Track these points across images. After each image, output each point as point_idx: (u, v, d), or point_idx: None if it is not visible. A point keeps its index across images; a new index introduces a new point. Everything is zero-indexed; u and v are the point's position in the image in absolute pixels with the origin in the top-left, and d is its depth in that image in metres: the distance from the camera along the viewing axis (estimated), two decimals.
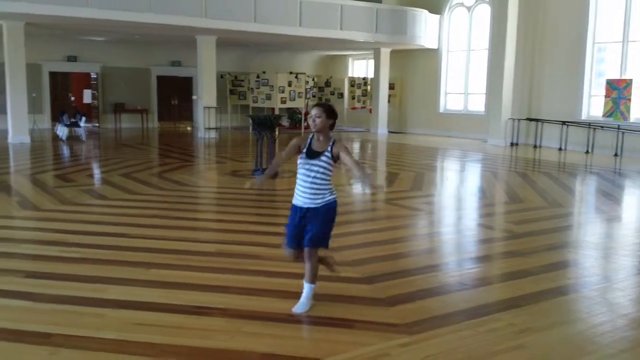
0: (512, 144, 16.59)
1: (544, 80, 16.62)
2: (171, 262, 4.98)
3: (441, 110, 20.18)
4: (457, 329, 3.71)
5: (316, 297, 4.15)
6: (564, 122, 15.46)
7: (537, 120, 16.42)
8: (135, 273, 4.66)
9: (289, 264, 4.97)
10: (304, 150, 3.89)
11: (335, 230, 6.22)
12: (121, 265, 4.84)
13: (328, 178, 3.89)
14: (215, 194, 8.85)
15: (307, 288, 3.97)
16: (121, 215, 6.83)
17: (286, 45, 20.80)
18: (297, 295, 4.23)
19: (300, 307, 3.92)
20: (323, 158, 3.85)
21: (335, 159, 3.86)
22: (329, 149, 3.85)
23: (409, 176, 10.47)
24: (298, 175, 3.91)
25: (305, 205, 3.89)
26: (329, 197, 3.91)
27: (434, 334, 3.63)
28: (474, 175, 11.66)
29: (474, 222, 7.22)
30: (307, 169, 3.84)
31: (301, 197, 3.90)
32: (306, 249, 3.92)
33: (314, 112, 3.86)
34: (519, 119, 16.65)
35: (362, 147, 16.67)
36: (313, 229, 3.87)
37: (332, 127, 3.92)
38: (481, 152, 14.91)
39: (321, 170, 3.84)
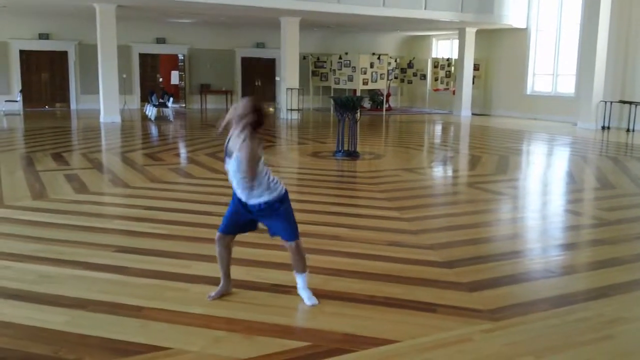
0: (603, 128, 15.78)
1: (639, 60, 15.64)
2: (253, 241, 5.05)
3: (528, 92, 19.43)
4: (543, 317, 3.60)
5: (397, 279, 4.13)
6: None
7: (630, 102, 15.51)
8: None
9: (369, 246, 4.98)
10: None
11: (415, 213, 6.23)
12: (206, 243, 4.98)
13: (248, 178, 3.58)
14: (297, 175, 8.94)
15: (300, 278, 3.80)
16: (207, 194, 7.04)
17: (369, 26, 20.61)
18: (377, 276, 4.24)
19: (312, 299, 3.76)
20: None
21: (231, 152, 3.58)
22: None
23: (492, 159, 10.19)
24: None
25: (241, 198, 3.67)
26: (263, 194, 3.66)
27: (518, 321, 3.53)
28: (561, 160, 11.20)
29: (561, 208, 6.94)
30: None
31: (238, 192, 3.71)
32: (287, 244, 3.73)
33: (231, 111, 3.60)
34: (611, 102, 15.79)
35: (444, 130, 16.36)
36: (278, 226, 3.71)
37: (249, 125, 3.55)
38: (570, 136, 14.28)
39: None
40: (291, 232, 3.72)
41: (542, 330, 3.43)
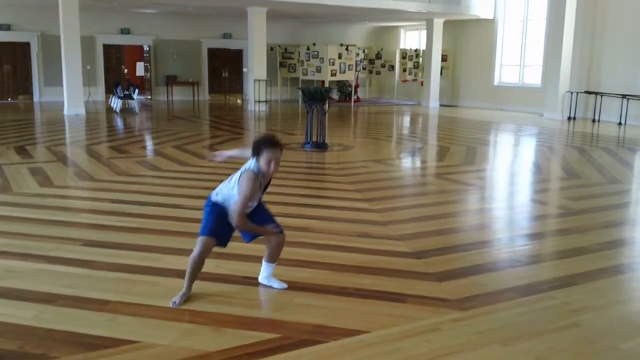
0: (569, 118, 16.07)
1: (605, 51, 15.96)
2: None
3: (495, 82, 19.68)
4: (511, 306, 3.65)
5: (367, 270, 4.15)
6: (624, 96, 14.86)
7: (596, 93, 15.84)
8: (188, 243, 4.72)
9: (338, 237, 4.99)
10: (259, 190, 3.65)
11: (385, 204, 6.27)
12: (175, 236, 4.95)
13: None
14: None
15: (270, 267, 3.87)
16: (174, 187, 6.96)
17: (337, 16, 20.59)
18: (346, 267, 4.25)
19: (282, 283, 3.85)
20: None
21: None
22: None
23: (460, 150, 10.29)
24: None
25: None
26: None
27: (486, 310, 3.58)
28: (528, 150, 11.37)
29: (527, 198, 7.05)
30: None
31: None
32: (281, 234, 3.82)
33: (273, 155, 3.47)
34: (577, 92, 16.10)
35: (413, 121, 16.46)
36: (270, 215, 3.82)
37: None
38: (537, 126, 14.51)
39: None
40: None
41: (509, 319, 3.48)
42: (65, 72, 15.18)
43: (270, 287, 3.86)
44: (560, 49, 15.96)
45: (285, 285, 3.85)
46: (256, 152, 3.49)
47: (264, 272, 3.90)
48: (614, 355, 3.10)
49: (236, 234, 3.77)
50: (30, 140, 10.68)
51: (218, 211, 3.66)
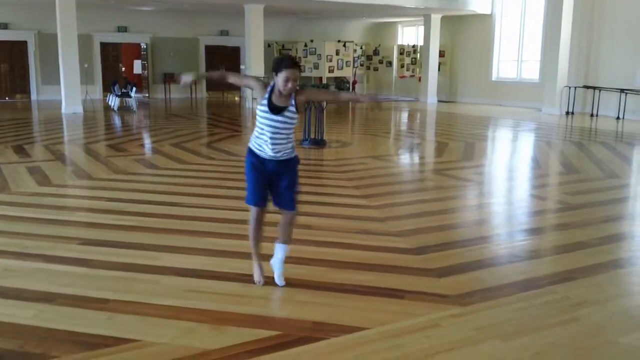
0: (567, 113, 16.07)
1: (602, 46, 15.94)
2: (222, 231, 5.05)
3: (493, 78, 19.66)
4: (510, 301, 3.65)
5: (366, 267, 4.15)
6: (622, 90, 14.86)
7: (594, 88, 15.83)
8: (187, 241, 4.74)
9: (337, 234, 4.98)
10: (265, 103, 3.63)
11: (384, 200, 6.26)
12: (174, 234, 4.94)
13: (292, 133, 3.73)
14: None
15: (283, 249, 3.84)
16: (173, 185, 6.95)
17: (334, 12, 20.55)
18: (346, 264, 4.25)
19: (282, 280, 3.86)
20: (287, 113, 3.63)
21: (300, 108, 3.68)
22: (293, 102, 3.64)
23: (459, 146, 10.29)
24: (261, 128, 3.67)
25: (274, 158, 3.69)
26: (294, 153, 3.79)
27: (486, 306, 3.58)
28: (527, 145, 11.37)
29: (526, 193, 7.05)
30: (271, 124, 3.63)
31: (263, 151, 3.69)
32: (292, 213, 3.80)
33: (291, 74, 3.52)
34: (575, 87, 16.09)
35: (411, 117, 16.45)
36: (286, 188, 3.75)
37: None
38: (535, 121, 14.51)
39: (286, 124, 3.65)
40: (296, 202, 3.80)
41: (509, 314, 3.48)
42: (62, 71, 15.16)
43: (273, 273, 3.86)
44: (558, 44, 15.94)
45: (282, 283, 3.83)
46: (275, 70, 3.58)
47: (277, 255, 3.87)
48: (614, 350, 3.10)
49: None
50: (28, 139, 10.66)
51: (248, 163, 3.76)
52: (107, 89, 18.62)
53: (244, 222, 5.28)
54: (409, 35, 23.75)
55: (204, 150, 9.56)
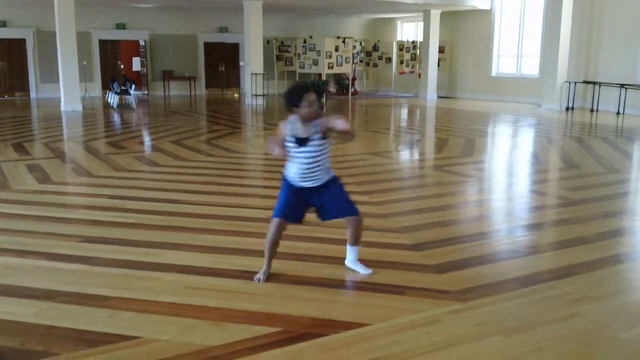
0: (567, 108, 16.06)
1: (602, 41, 15.93)
2: (222, 228, 5.05)
3: (493, 74, 19.65)
4: (511, 297, 3.65)
5: (367, 263, 4.16)
6: (622, 85, 14.85)
7: (594, 83, 15.82)
8: (188, 238, 4.74)
9: (337, 230, 4.97)
10: (291, 138, 3.71)
11: (384, 197, 6.26)
12: (174, 231, 4.94)
13: (327, 159, 3.84)
14: (264, 161, 8.89)
15: (355, 250, 4.03)
16: (173, 182, 6.95)
17: (333, 8, 20.53)
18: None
19: (368, 269, 4.01)
20: (315, 142, 3.71)
21: (324, 131, 3.74)
22: (317, 127, 3.72)
23: (458, 142, 10.28)
24: (294, 162, 3.75)
25: (313, 185, 3.79)
26: (332, 173, 3.92)
27: (486, 302, 3.58)
28: (527, 141, 11.37)
29: (526, 189, 7.05)
30: (302, 156, 3.72)
31: (297, 180, 3.78)
32: (356, 217, 3.92)
33: (314, 97, 3.68)
34: (575, 82, 16.07)
35: (411, 113, 16.44)
36: (343, 201, 3.90)
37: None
38: (535, 117, 14.50)
39: (317, 153, 3.74)
40: (354, 205, 3.95)
41: (510, 309, 3.48)
42: (61, 68, 15.15)
43: (356, 271, 4.00)
44: (558, 39, 15.92)
45: (370, 271, 3.98)
46: (294, 103, 3.71)
47: (349, 256, 4.04)
48: (615, 345, 3.10)
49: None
50: (27, 137, 10.66)
51: (285, 186, 3.85)
52: (106, 86, 18.61)
53: (245, 219, 5.32)
54: (409, 31, 23.72)
55: (204, 148, 9.56)
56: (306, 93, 3.69)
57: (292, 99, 3.69)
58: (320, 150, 3.75)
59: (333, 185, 3.88)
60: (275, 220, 3.82)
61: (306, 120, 3.70)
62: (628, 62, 15.22)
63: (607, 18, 15.73)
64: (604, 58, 15.93)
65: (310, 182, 3.77)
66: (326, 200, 3.85)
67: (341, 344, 3.06)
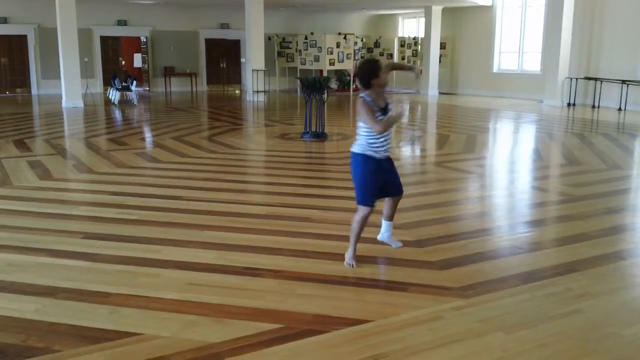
0: (569, 105, 16.03)
1: (604, 37, 15.88)
2: (224, 224, 5.05)
3: (494, 70, 19.60)
4: (513, 293, 3.65)
5: (369, 259, 4.17)
6: (624, 81, 14.81)
7: (595, 79, 15.78)
8: (189, 235, 4.74)
9: (339, 227, 4.97)
10: (378, 110, 3.97)
11: None
12: (176, 227, 4.94)
13: None
14: (265, 157, 8.89)
15: (390, 226, 4.36)
16: (174, 178, 6.94)
17: (334, 5, 20.48)
18: None
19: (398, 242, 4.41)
20: (389, 110, 4.06)
21: None
22: (386, 98, 4.08)
23: (460, 138, 10.27)
24: (372, 135, 4.00)
25: (384, 157, 4.11)
26: None
27: (488, 298, 3.58)
28: (528, 137, 11.35)
29: (528, 185, 7.04)
30: None
31: (382, 150, 4.07)
32: (400, 196, 4.27)
33: (382, 66, 3.98)
34: (576, 78, 16.04)
35: (412, 109, 16.42)
36: (397, 177, 4.24)
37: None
38: (536, 113, 14.47)
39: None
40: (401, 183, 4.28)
41: (511, 306, 3.48)
42: (62, 65, 15.13)
43: (389, 245, 4.37)
44: (560, 35, 15.88)
45: (400, 244, 4.39)
46: (369, 85, 3.95)
47: (385, 231, 4.37)
48: (617, 342, 3.09)
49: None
50: (29, 133, 10.66)
51: (366, 167, 4.06)
52: (108, 82, 18.59)
53: (245, 215, 5.32)
54: (410, 27, 23.67)
55: (205, 144, 9.55)
56: (377, 64, 3.97)
57: (372, 72, 3.93)
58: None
59: (392, 161, 4.23)
60: (368, 210, 4.05)
61: (381, 89, 4.00)
62: (629, 58, 15.18)
63: (608, 14, 15.68)
64: (605, 54, 15.89)
65: (386, 150, 4.08)
66: (392, 176, 4.19)
67: (343, 341, 3.06)
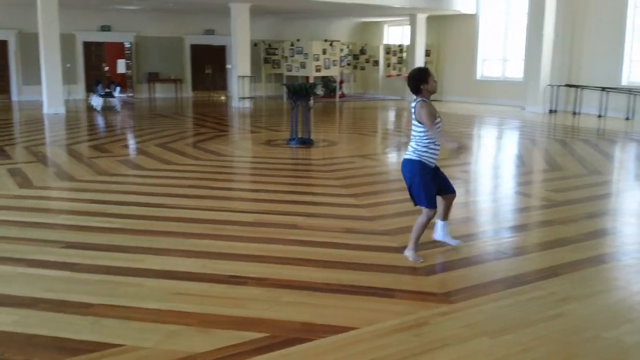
0: (550, 111, 16.17)
1: (584, 45, 16.07)
2: (208, 232, 5.01)
3: (478, 77, 19.74)
4: (497, 298, 3.66)
5: (354, 266, 4.16)
6: (604, 88, 14.98)
7: (576, 86, 15.94)
8: (173, 243, 4.70)
9: (325, 233, 4.96)
10: (438, 116, 4.22)
11: (371, 199, 6.26)
12: (159, 236, 4.89)
13: None
14: (251, 164, 8.86)
15: (446, 225, 4.58)
16: (158, 186, 6.89)
17: (320, 12, 20.52)
18: (334, 264, 4.22)
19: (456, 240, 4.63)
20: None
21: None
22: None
23: (444, 144, 10.27)
24: (429, 141, 4.23)
25: (435, 165, 4.37)
26: None
27: (473, 303, 3.58)
28: (511, 143, 11.43)
29: (511, 190, 7.08)
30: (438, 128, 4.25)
31: (436, 157, 4.33)
32: (454, 195, 4.54)
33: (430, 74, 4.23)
34: (558, 86, 16.19)
35: (398, 116, 16.48)
36: (446, 178, 4.51)
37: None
38: (519, 120, 14.58)
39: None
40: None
41: (496, 310, 3.49)
42: (44, 71, 14.98)
43: (446, 243, 4.57)
44: (541, 43, 16.04)
45: (459, 242, 4.59)
46: (424, 80, 4.17)
47: (441, 231, 4.58)
48: (599, 345, 3.11)
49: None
50: (9, 140, 10.51)
51: (424, 172, 4.27)
52: (91, 88, 18.43)
53: (230, 222, 5.28)
54: (395, 34, 23.78)
55: (190, 151, 9.50)
56: (426, 71, 4.21)
57: (422, 78, 4.17)
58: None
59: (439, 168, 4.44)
60: (432, 212, 4.29)
61: (429, 94, 4.21)
62: (609, 66, 15.36)
63: (589, 23, 15.87)
64: (586, 62, 16.08)
65: (435, 161, 4.34)
66: (441, 179, 4.41)
67: (329, 349, 3.04)
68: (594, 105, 15.33)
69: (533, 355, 2.98)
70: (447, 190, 4.47)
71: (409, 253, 4.33)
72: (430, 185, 4.28)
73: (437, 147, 4.30)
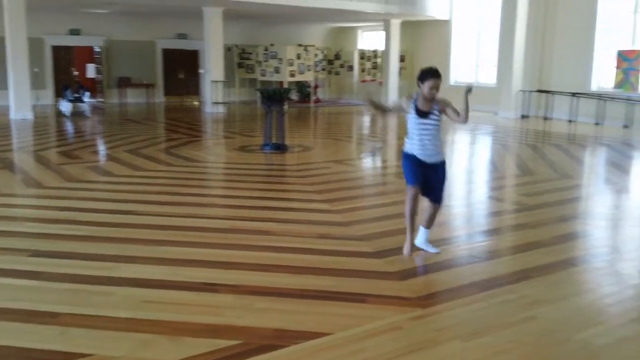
0: (523, 116, 16.38)
1: (555, 51, 16.33)
2: (180, 239, 4.94)
3: (451, 82, 19.92)
4: (470, 302, 3.68)
5: (328, 271, 4.14)
6: (574, 94, 15.24)
7: (548, 92, 16.19)
8: (143, 250, 4.63)
9: (299, 239, 4.94)
10: (413, 110, 4.40)
11: (346, 205, 6.25)
12: (129, 243, 4.81)
13: (438, 133, 4.46)
14: (224, 170, 8.79)
15: (426, 233, 4.62)
16: (128, 192, 6.79)
17: (294, 16, 20.51)
18: (307, 270, 4.20)
19: (436, 248, 4.63)
20: (432, 116, 4.39)
21: (442, 111, 4.41)
22: (436, 106, 4.39)
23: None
24: (412, 132, 4.46)
25: (429, 161, 4.43)
26: (443, 157, 4.56)
27: (446, 307, 3.60)
28: (484, 148, 11.55)
29: (484, 195, 7.14)
30: (420, 127, 4.40)
31: (417, 147, 4.44)
32: (437, 205, 4.54)
33: (434, 83, 4.31)
34: (529, 91, 16.43)
35: (372, 121, 16.53)
36: (440, 187, 4.52)
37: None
38: (492, 125, 14.75)
39: (431, 125, 4.40)
40: (443, 197, 4.59)
41: (468, 314, 3.51)
42: (11, 75, 14.68)
43: (426, 251, 4.57)
44: (513, 49, 16.26)
45: (438, 250, 4.59)
46: (421, 79, 4.36)
47: (422, 237, 4.62)
48: (570, 347, 3.14)
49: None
50: None
51: (408, 158, 4.52)
52: (59, 93, 18.12)
53: (203, 229, 5.22)
54: (370, 39, 23.90)
55: (162, 157, 9.39)
56: (432, 76, 4.32)
57: (421, 76, 4.35)
58: (436, 126, 4.40)
59: (442, 170, 4.52)
60: (412, 188, 4.39)
61: (426, 99, 4.35)
62: (579, 72, 15.63)
63: (560, 29, 16.13)
64: (556, 68, 16.34)
65: (426, 156, 4.40)
66: (433, 180, 4.46)
67: (302, 355, 3.02)
68: (564, 111, 15.58)
69: (506, 358, 3.00)
70: (432, 197, 4.54)
71: (406, 251, 4.52)
72: (411, 166, 4.47)
73: (415, 139, 4.44)
